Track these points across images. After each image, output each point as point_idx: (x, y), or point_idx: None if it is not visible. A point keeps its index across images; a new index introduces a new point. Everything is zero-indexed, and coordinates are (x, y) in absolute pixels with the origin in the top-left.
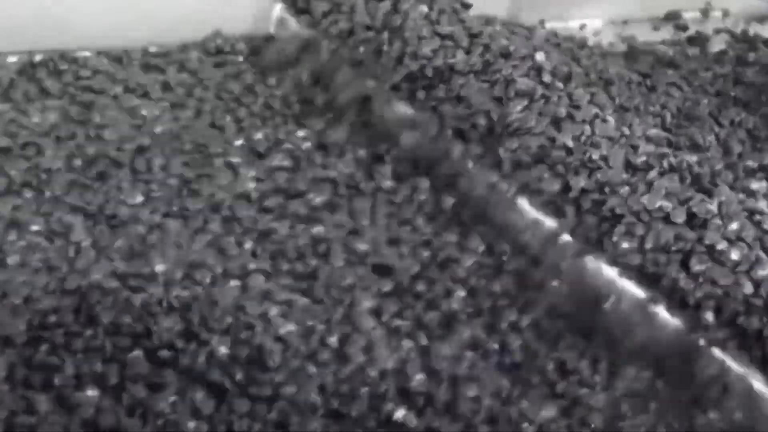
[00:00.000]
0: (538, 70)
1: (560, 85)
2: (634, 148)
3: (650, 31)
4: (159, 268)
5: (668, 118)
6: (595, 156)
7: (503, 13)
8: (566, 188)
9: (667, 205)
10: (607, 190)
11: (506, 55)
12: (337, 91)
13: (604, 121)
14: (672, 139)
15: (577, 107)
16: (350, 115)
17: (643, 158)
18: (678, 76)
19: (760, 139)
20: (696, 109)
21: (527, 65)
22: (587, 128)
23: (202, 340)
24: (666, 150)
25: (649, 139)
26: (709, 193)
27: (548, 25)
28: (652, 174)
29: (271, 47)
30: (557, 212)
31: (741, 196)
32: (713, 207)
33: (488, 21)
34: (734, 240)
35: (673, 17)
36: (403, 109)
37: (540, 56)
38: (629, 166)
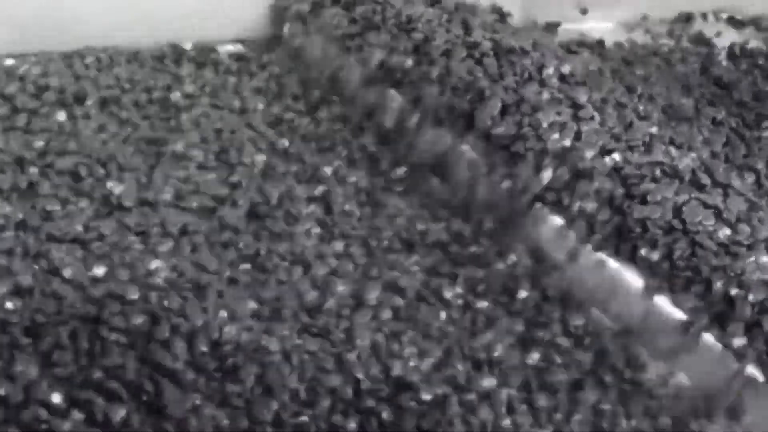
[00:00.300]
0: (540, 68)
1: (556, 82)
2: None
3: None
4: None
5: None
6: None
7: (516, 13)
8: None
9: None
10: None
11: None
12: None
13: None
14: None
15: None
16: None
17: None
18: (650, 75)
19: (745, 137)
20: (679, 107)
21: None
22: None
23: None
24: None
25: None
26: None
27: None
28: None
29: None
30: None
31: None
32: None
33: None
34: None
35: (685, 19)
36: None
37: (537, 54)
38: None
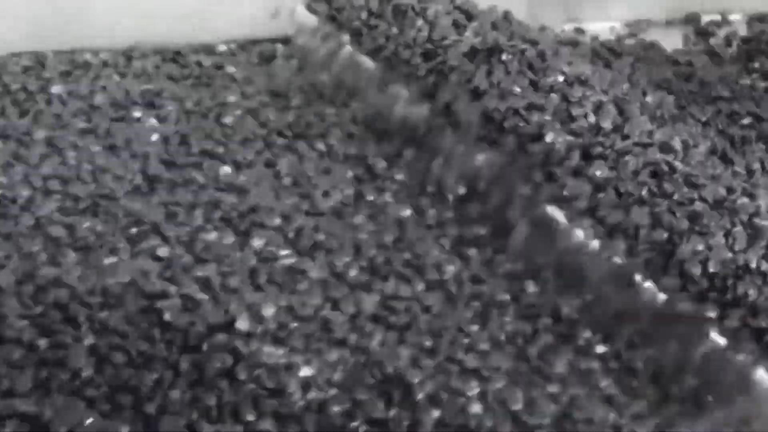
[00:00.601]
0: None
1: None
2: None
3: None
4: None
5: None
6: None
7: (522, 13)
8: None
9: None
10: None
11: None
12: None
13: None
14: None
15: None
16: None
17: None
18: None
19: (734, 140)
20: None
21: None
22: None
23: None
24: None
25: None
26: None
27: (566, 27)
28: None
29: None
30: None
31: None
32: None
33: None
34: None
35: (692, 20)
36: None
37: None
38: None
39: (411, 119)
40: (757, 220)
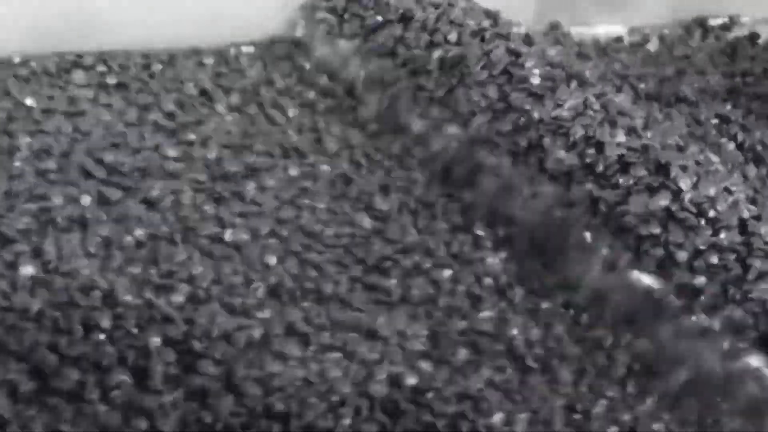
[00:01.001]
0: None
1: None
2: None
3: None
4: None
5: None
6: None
7: (529, 17)
8: None
9: None
10: None
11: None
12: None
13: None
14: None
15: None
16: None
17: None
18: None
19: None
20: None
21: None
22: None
23: None
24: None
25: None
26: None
27: (573, 30)
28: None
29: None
30: None
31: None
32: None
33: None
34: None
35: (699, 24)
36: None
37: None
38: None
39: None
40: None
